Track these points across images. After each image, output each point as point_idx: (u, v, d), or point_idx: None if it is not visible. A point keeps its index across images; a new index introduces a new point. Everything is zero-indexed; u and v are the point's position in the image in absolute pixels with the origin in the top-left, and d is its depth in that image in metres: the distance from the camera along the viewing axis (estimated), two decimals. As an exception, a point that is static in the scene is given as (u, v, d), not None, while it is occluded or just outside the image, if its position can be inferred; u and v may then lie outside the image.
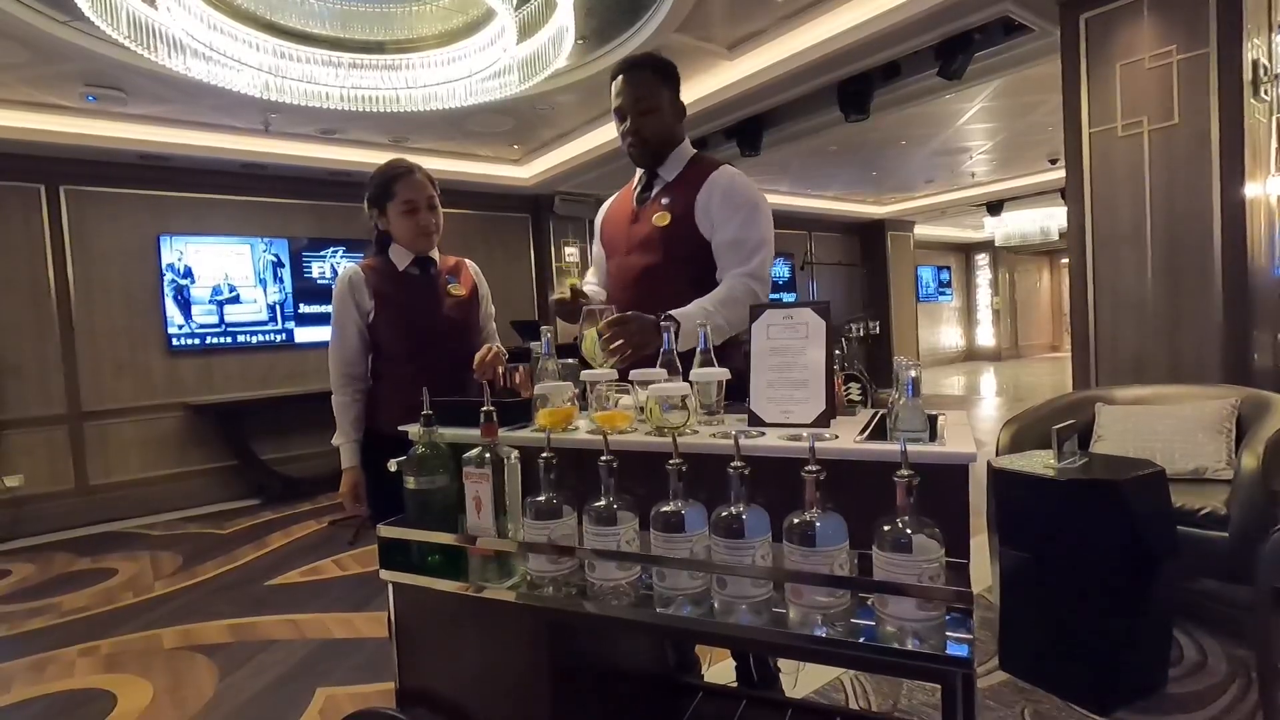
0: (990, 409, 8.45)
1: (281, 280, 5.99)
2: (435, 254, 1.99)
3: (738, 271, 1.62)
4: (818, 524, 0.92)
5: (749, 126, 5.36)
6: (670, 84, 1.74)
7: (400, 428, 1.43)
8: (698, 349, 1.29)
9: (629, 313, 1.44)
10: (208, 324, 5.65)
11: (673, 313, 1.51)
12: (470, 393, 1.82)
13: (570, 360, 1.43)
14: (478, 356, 1.85)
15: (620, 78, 1.73)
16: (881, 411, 1.28)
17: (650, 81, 1.71)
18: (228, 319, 5.75)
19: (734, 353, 1.53)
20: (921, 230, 11.97)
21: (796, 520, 0.94)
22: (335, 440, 1.90)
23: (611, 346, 1.40)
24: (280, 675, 2.59)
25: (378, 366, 1.95)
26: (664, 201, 1.73)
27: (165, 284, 5.44)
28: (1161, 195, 3.19)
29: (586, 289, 1.81)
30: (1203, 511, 2.36)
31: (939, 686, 0.90)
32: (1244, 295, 3.07)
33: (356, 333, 1.90)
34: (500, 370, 1.79)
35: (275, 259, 5.96)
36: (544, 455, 1.12)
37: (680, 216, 1.69)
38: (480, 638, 1.21)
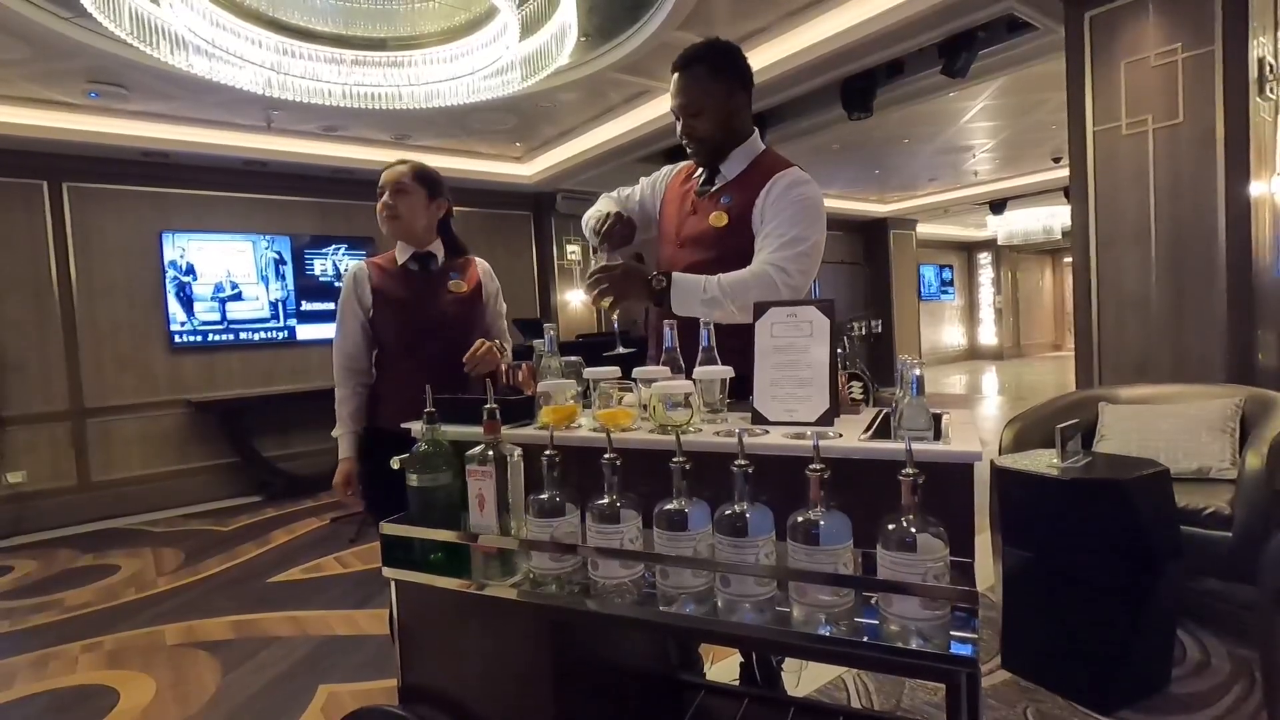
0: (993, 408, 8.44)
1: (284, 277, 5.99)
2: (437, 250, 2.00)
3: (763, 257, 1.52)
4: (822, 523, 0.92)
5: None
6: (726, 78, 1.63)
7: (403, 424, 1.43)
8: (700, 346, 1.29)
9: (621, 263, 1.52)
10: (210, 321, 5.66)
11: (674, 275, 1.51)
12: (466, 390, 1.82)
13: (574, 358, 1.43)
14: (469, 352, 1.84)
15: (675, 76, 1.64)
16: (885, 410, 1.28)
17: (702, 80, 1.61)
18: (230, 316, 5.75)
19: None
20: (924, 229, 11.95)
21: (800, 519, 0.93)
22: (334, 432, 1.93)
23: (594, 292, 1.50)
24: (282, 672, 2.60)
25: (379, 362, 1.96)
26: (723, 201, 1.64)
27: (167, 281, 5.45)
28: (1166, 194, 3.18)
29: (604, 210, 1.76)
30: (1206, 511, 2.35)
31: (942, 686, 0.89)
32: (1248, 294, 3.06)
33: (358, 327, 1.92)
34: (504, 368, 1.79)
35: (277, 256, 5.96)
36: (547, 453, 1.12)
37: (738, 218, 1.61)
38: (483, 635, 1.20)
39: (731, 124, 1.65)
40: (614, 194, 1.92)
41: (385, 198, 1.91)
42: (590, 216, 1.78)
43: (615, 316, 1.56)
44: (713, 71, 1.62)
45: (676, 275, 1.52)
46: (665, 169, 1.91)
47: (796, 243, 1.52)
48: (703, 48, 1.64)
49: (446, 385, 1.61)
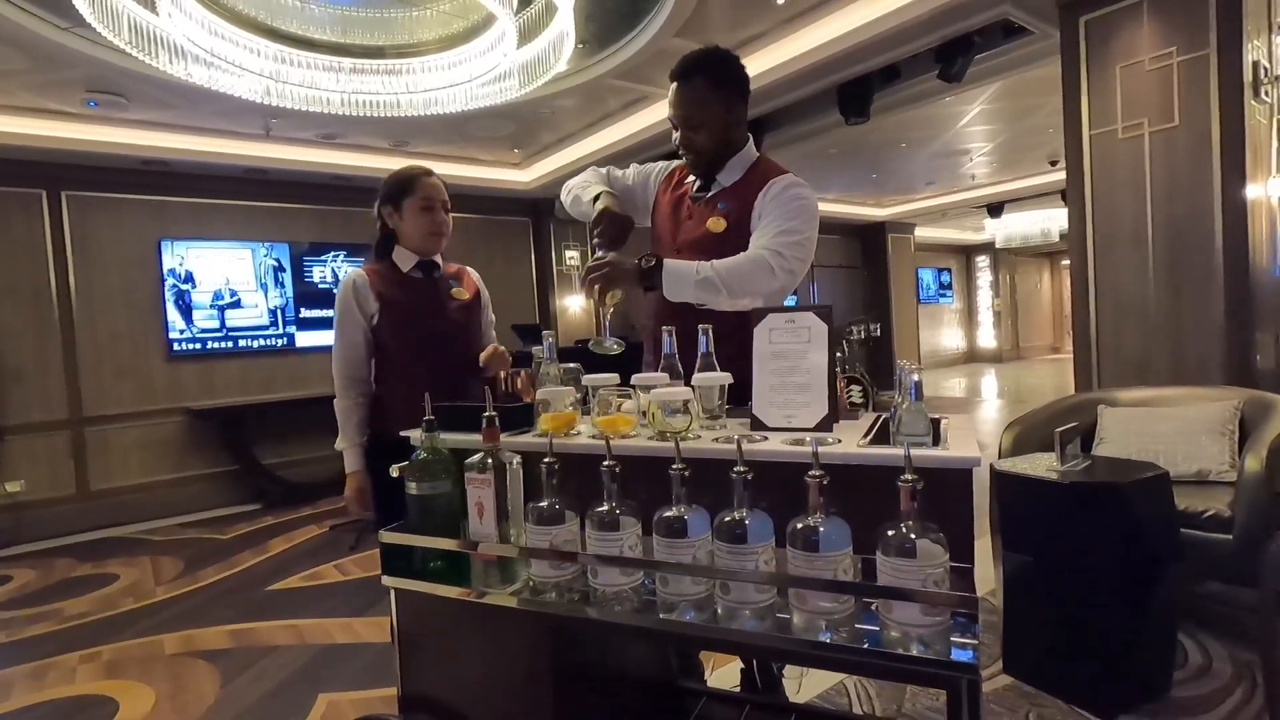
0: (992, 411, 8.44)
1: (283, 285, 6.00)
2: (439, 258, 2.00)
3: (759, 244, 1.52)
4: (821, 529, 0.92)
5: (749, 129, 5.36)
6: (725, 89, 1.63)
7: (402, 433, 1.43)
8: (699, 351, 1.29)
9: (609, 256, 1.53)
10: (209, 329, 5.66)
11: (665, 260, 1.51)
12: (474, 396, 1.82)
13: (572, 365, 1.43)
14: (484, 353, 1.87)
15: (674, 86, 1.63)
16: (884, 415, 1.28)
17: (701, 92, 1.60)
18: (229, 324, 5.75)
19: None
20: (922, 232, 11.97)
21: (800, 525, 0.93)
22: (339, 445, 1.90)
23: (587, 282, 1.51)
24: (282, 681, 2.59)
25: (382, 371, 1.94)
26: (720, 207, 1.64)
27: (166, 289, 5.45)
28: (1162, 197, 3.19)
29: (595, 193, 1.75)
30: (1206, 514, 2.35)
31: (943, 691, 0.89)
32: (1246, 296, 3.07)
33: (361, 336, 1.90)
34: (503, 374, 1.80)
35: (276, 263, 5.96)
36: (546, 460, 1.11)
37: (735, 224, 1.61)
38: (482, 643, 1.20)
39: (730, 135, 1.65)
40: (602, 170, 1.90)
41: (444, 215, 1.92)
42: (579, 195, 1.78)
43: (609, 315, 1.55)
44: (712, 84, 1.61)
45: (667, 260, 1.51)
46: (659, 165, 1.89)
47: (793, 233, 1.53)
48: (702, 57, 1.63)
49: (455, 391, 1.62)
